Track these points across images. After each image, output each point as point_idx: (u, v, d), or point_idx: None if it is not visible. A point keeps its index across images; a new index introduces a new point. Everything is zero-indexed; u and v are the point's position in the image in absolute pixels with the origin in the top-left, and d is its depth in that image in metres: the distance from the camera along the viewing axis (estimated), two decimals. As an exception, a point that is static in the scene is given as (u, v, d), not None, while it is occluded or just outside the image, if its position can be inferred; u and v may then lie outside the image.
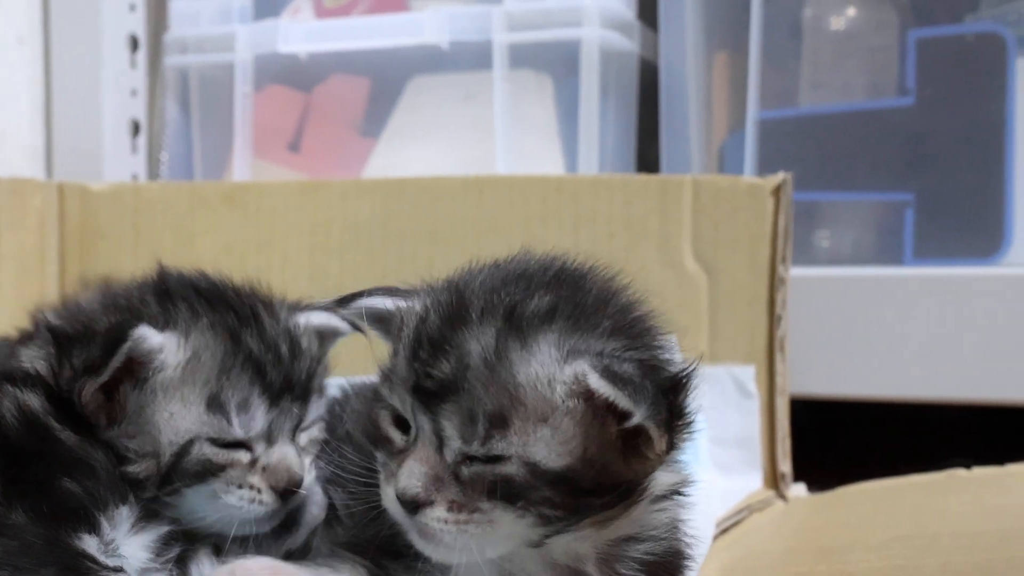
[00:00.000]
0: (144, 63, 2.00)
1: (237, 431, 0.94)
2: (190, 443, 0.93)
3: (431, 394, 0.79)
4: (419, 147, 1.78)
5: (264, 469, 0.95)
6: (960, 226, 1.56)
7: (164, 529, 0.92)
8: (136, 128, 1.99)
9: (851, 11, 1.66)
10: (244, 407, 0.94)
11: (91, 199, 1.71)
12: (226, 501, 0.94)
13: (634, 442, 0.78)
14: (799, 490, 1.45)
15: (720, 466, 1.43)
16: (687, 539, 0.88)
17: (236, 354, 0.95)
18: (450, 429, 0.79)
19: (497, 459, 0.77)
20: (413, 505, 0.79)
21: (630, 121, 1.79)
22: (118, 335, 0.90)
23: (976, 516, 1.17)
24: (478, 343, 0.78)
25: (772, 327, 1.44)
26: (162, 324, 0.95)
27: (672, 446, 0.79)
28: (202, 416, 0.93)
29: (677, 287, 1.47)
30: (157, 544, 0.91)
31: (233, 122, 1.85)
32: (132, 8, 1.98)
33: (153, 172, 2.01)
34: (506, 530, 0.79)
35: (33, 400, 0.91)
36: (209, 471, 0.93)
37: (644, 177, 1.53)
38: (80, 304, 1.03)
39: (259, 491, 0.95)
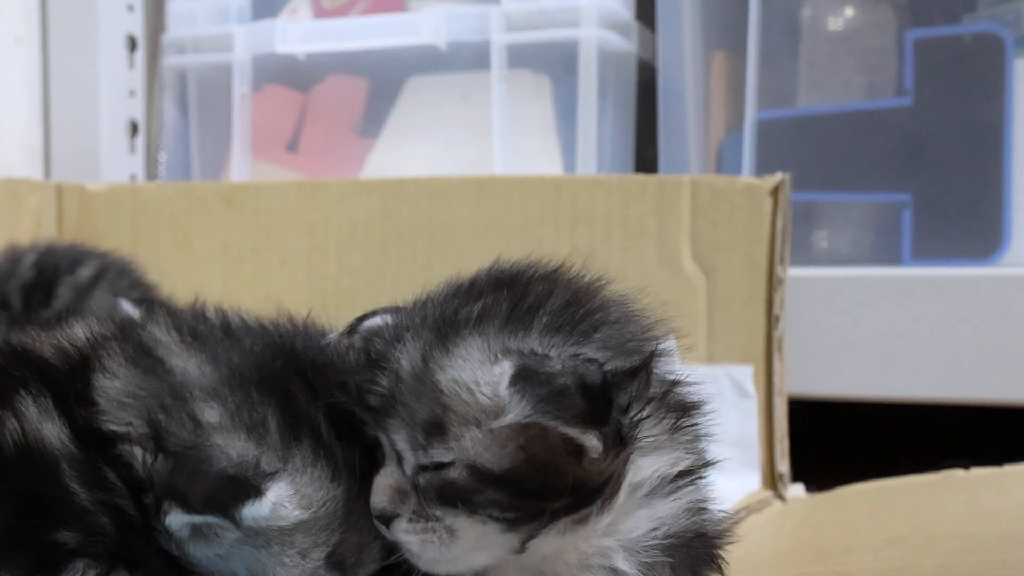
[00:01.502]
0: (142, 63, 2.00)
1: None
2: None
3: (378, 411, 0.80)
4: (417, 147, 1.78)
5: None
6: (958, 226, 1.57)
7: None
8: (134, 128, 1.99)
9: (849, 11, 1.66)
10: None
11: (89, 199, 1.72)
12: None
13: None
14: (797, 490, 1.45)
15: (718, 466, 1.43)
16: (713, 522, 0.85)
17: None
18: (401, 443, 0.79)
19: (442, 466, 0.77)
20: (384, 519, 0.80)
21: (628, 121, 1.79)
22: None
23: (973, 517, 1.17)
24: (407, 357, 0.79)
25: (770, 327, 1.44)
26: None
27: (617, 443, 0.76)
28: None
29: (675, 287, 1.47)
30: None
31: (231, 122, 1.85)
32: (130, 8, 1.98)
33: (151, 172, 2.01)
34: (472, 538, 0.78)
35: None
36: None
37: (642, 177, 1.53)
38: None
39: None
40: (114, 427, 0.80)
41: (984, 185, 1.54)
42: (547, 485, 0.76)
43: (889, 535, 1.13)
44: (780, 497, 1.42)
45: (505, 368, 0.75)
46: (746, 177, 1.53)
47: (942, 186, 1.57)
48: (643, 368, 0.77)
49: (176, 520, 0.76)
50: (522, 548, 0.79)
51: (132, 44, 1.99)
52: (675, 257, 1.47)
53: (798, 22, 1.66)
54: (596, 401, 0.74)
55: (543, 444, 0.76)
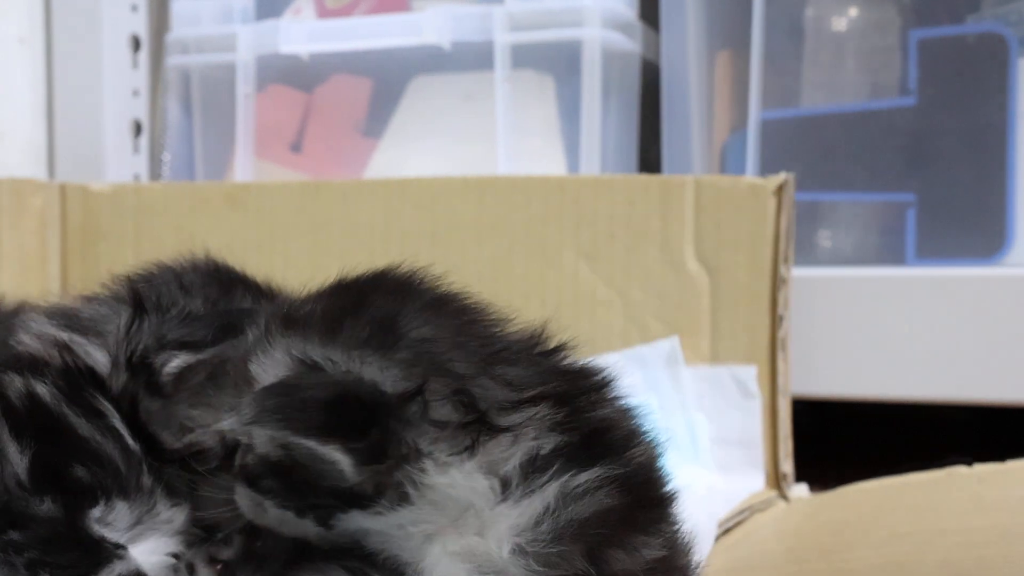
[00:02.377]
0: (146, 63, 2.00)
1: None
2: None
3: None
4: (421, 147, 1.78)
5: None
6: (962, 226, 1.56)
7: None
8: (138, 128, 2.00)
9: (853, 11, 1.66)
10: None
11: (92, 199, 1.72)
12: None
13: None
14: (801, 490, 1.45)
15: (722, 466, 1.43)
16: (611, 492, 0.81)
17: None
18: None
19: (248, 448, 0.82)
20: None
21: (632, 121, 1.79)
22: None
23: (976, 512, 1.17)
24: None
25: (774, 327, 1.44)
26: None
27: (374, 460, 0.76)
28: None
29: (678, 287, 1.47)
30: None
31: (235, 122, 1.85)
32: (134, 8, 1.98)
33: (155, 172, 2.01)
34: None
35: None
36: None
37: (646, 177, 1.53)
38: None
39: None
40: None
41: (988, 185, 1.54)
42: (305, 486, 0.77)
43: (892, 532, 1.13)
44: (784, 497, 1.42)
45: (280, 372, 0.78)
46: (750, 177, 1.53)
47: (946, 186, 1.57)
48: (419, 391, 0.76)
49: None
50: (327, 526, 0.79)
51: (136, 44, 2.00)
52: (679, 257, 1.47)
53: (802, 22, 1.66)
54: (346, 416, 0.75)
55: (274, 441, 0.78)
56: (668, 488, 0.85)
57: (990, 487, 1.24)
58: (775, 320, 1.44)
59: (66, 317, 0.96)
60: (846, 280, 1.53)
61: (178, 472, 0.90)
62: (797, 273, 1.47)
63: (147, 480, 0.89)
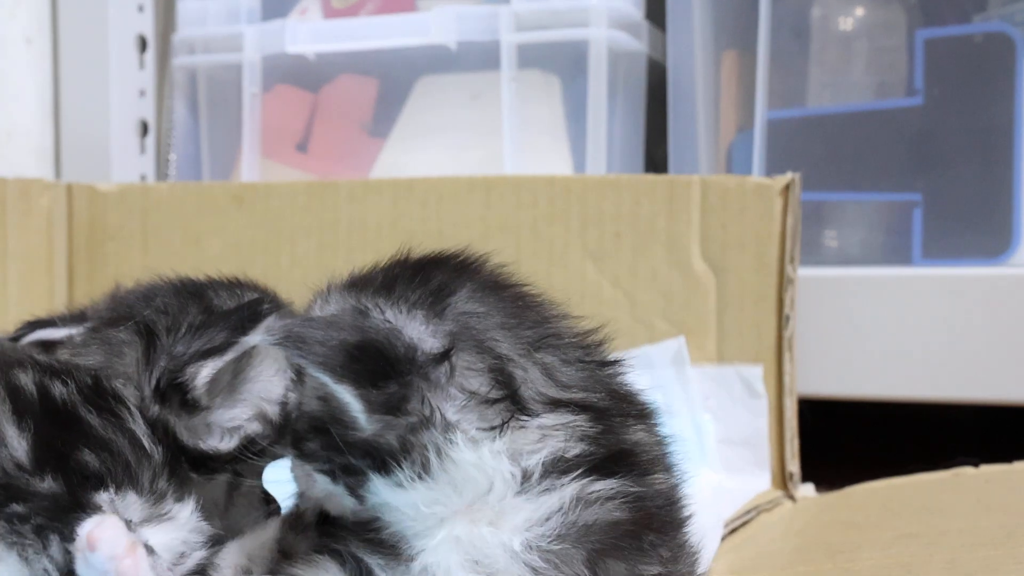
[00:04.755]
0: (152, 63, 2.00)
1: None
2: None
3: None
4: (427, 147, 1.78)
5: None
6: (969, 226, 1.56)
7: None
8: (144, 128, 2.00)
9: (859, 11, 1.66)
10: None
11: (99, 199, 1.72)
12: None
13: None
14: (807, 490, 1.45)
15: (728, 466, 1.43)
16: (622, 506, 0.81)
17: None
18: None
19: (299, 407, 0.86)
20: None
21: (638, 121, 1.79)
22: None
23: (982, 513, 1.17)
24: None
25: (780, 327, 1.44)
26: None
27: (386, 411, 0.78)
28: None
29: (685, 287, 1.47)
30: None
31: (241, 122, 1.86)
32: (140, 9, 1.98)
33: (161, 172, 2.01)
34: (318, 482, 0.84)
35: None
36: None
37: (652, 177, 1.53)
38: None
39: None
40: None
41: (994, 184, 1.54)
42: (335, 443, 0.79)
43: (898, 532, 1.12)
44: (790, 497, 1.42)
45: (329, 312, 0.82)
46: (756, 177, 1.53)
47: (952, 186, 1.57)
48: (447, 354, 0.78)
49: None
50: (358, 498, 0.81)
51: (142, 44, 2.00)
52: (685, 257, 1.47)
53: (808, 21, 1.66)
54: (367, 362, 0.76)
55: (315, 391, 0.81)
56: (683, 516, 0.85)
57: (997, 488, 1.24)
58: (781, 320, 1.44)
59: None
60: (852, 280, 1.53)
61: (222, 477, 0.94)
62: (803, 273, 1.47)
63: (163, 484, 0.90)
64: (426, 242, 1.55)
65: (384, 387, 0.76)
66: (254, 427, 0.94)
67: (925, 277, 1.51)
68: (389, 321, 0.79)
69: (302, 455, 0.83)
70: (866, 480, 1.37)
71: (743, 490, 1.37)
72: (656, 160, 1.80)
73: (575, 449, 0.79)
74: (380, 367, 0.77)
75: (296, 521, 0.95)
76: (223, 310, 0.95)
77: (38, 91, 1.96)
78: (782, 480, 1.44)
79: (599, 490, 0.79)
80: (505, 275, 0.87)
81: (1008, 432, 1.69)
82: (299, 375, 0.84)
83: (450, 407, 0.77)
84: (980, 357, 1.46)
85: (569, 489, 0.78)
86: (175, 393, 0.92)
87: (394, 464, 0.78)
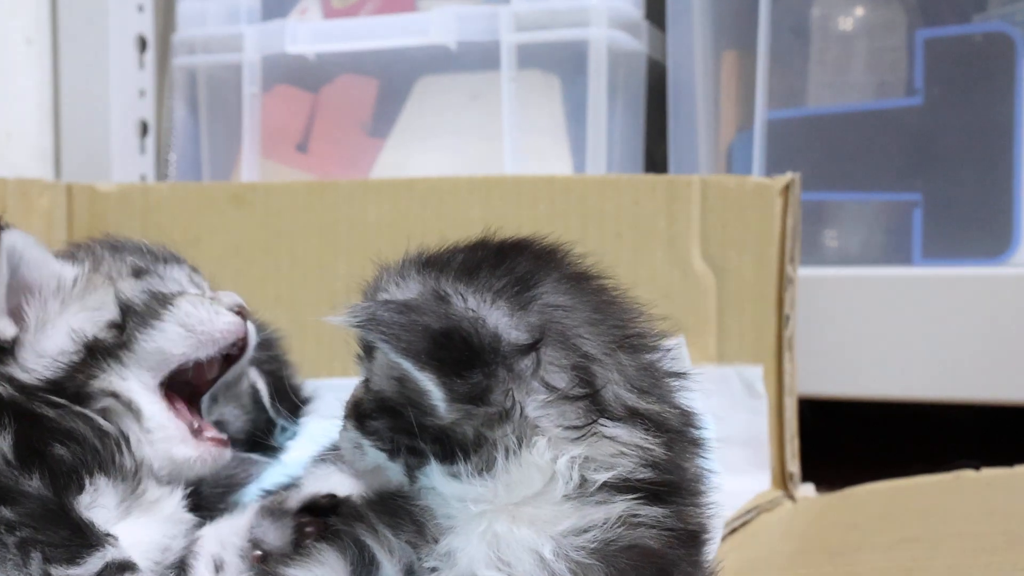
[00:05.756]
0: (152, 64, 2.00)
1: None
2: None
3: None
4: (427, 147, 1.78)
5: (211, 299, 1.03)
6: (968, 226, 1.56)
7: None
8: (144, 129, 2.00)
9: (859, 11, 1.66)
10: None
11: (99, 200, 1.72)
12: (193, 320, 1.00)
13: None
14: (807, 490, 1.45)
15: (728, 466, 1.43)
16: (660, 540, 0.81)
17: None
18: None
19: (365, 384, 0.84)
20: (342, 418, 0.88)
21: (638, 121, 1.79)
22: None
23: (984, 518, 1.16)
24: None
25: (780, 327, 1.44)
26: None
27: (469, 400, 0.76)
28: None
29: (685, 287, 1.47)
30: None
31: (241, 123, 1.86)
32: (140, 9, 1.98)
33: (161, 173, 2.01)
34: (373, 457, 0.83)
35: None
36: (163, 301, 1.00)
37: (652, 177, 1.53)
38: None
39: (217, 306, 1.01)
40: None
41: (994, 184, 1.54)
42: (420, 424, 0.79)
43: (899, 536, 1.12)
44: (790, 497, 1.42)
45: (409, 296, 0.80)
46: (756, 177, 1.53)
47: (952, 185, 1.57)
48: (534, 346, 0.77)
49: None
50: (411, 477, 0.81)
51: (142, 44, 2.00)
52: (685, 256, 1.47)
53: (808, 22, 1.66)
54: (452, 350, 0.76)
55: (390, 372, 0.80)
56: (706, 554, 0.85)
57: (998, 492, 1.24)
58: (781, 320, 1.44)
59: None
60: (852, 280, 1.53)
61: None
62: (803, 273, 1.47)
63: (128, 460, 0.92)
64: (426, 242, 1.55)
65: (468, 377, 0.76)
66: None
67: (925, 277, 1.51)
68: (472, 309, 0.78)
69: (362, 430, 0.82)
70: (866, 480, 1.37)
71: (743, 490, 1.37)
72: (656, 160, 1.80)
73: (642, 474, 0.79)
74: (465, 356, 0.76)
75: (275, 508, 0.95)
76: None
77: (37, 91, 1.96)
78: (782, 480, 1.44)
79: (644, 515, 0.79)
80: (588, 267, 0.86)
81: (1008, 433, 1.69)
82: (368, 352, 0.82)
83: (531, 402, 0.77)
84: (980, 357, 1.46)
85: (618, 507, 0.78)
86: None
87: (460, 456, 0.78)
